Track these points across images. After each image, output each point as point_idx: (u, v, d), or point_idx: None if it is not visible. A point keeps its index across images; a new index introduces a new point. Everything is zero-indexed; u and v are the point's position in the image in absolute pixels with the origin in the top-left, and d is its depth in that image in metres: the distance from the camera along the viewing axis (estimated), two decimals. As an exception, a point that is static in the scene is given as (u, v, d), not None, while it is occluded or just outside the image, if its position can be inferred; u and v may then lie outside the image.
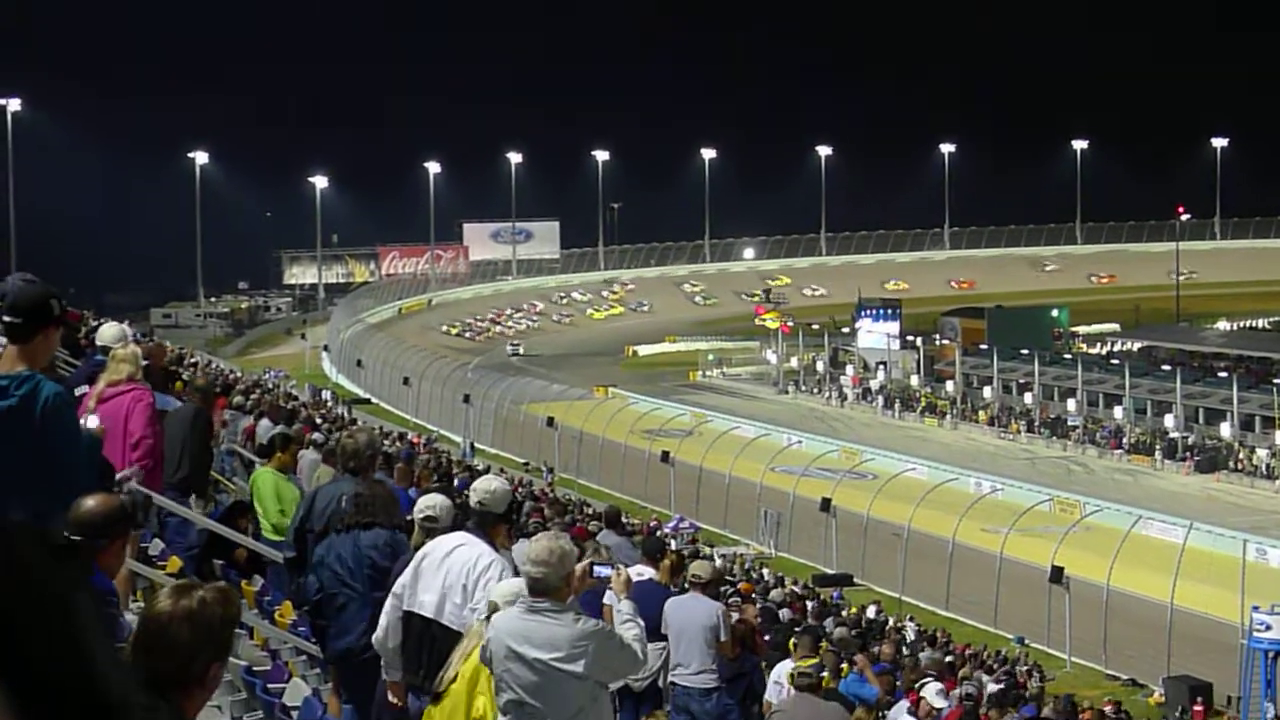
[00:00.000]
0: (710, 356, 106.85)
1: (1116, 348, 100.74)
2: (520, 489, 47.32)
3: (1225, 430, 71.24)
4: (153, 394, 10.20)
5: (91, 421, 8.11)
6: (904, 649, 31.98)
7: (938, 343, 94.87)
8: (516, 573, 7.49)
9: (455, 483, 30.29)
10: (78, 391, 9.04)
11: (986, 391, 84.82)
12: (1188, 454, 70.51)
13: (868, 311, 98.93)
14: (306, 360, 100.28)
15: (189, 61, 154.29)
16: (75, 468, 6.14)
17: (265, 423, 19.62)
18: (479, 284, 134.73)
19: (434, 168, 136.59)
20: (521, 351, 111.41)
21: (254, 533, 13.08)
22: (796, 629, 19.61)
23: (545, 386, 76.73)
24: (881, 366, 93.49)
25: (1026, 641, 41.38)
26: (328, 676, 10.07)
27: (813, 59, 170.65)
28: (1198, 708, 35.12)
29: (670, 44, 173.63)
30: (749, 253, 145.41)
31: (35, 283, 6.30)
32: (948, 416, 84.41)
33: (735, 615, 13.87)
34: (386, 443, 37.97)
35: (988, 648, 39.54)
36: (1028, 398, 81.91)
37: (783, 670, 13.79)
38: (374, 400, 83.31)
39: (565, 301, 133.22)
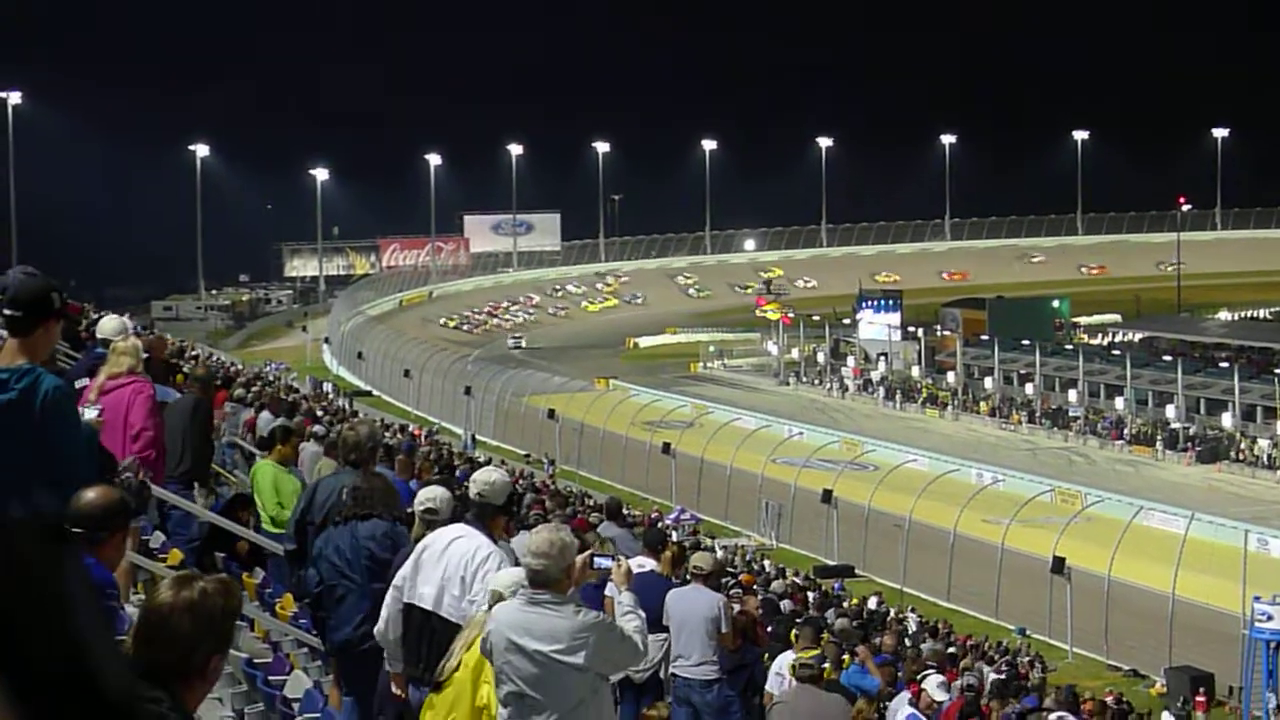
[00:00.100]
0: (711, 348, 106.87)
1: (1117, 338, 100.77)
2: (521, 481, 47.31)
3: (1226, 421, 71.24)
4: (153, 386, 10.20)
5: (90, 412, 8.10)
6: (906, 640, 32.00)
7: (939, 334, 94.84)
8: (516, 564, 7.49)
9: (456, 475, 30.30)
10: (78, 384, 9.04)
11: (988, 382, 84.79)
12: (1189, 444, 70.53)
13: (869, 303, 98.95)
14: (307, 353, 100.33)
15: (190, 54, 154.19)
16: (75, 461, 6.14)
17: (266, 415, 19.61)
18: (480, 276, 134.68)
19: (435, 160, 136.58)
20: (524, 345, 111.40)
21: (255, 525, 13.09)
22: (798, 620, 19.61)
23: (546, 379, 76.76)
24: (882, 358, 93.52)
25: (1028, 632, 41.42)
26: (329, 669, 10.07)
27: (813, 52, 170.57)
28: (1199, 698, 35.15)
29: (671, 36, 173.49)
30: (750, 244, 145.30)
31: (36, 276, 6.29)
32: (949, 408, 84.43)
33: (736, 607, 13.87)
34: (387, 435, 37.97)
35: (989, 638, 39.58)
36: (1029, 389, 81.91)
37: (784, 662, 13.79)
38: (375, 392, 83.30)
39: (560, 294, 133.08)
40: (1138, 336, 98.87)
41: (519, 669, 6.51)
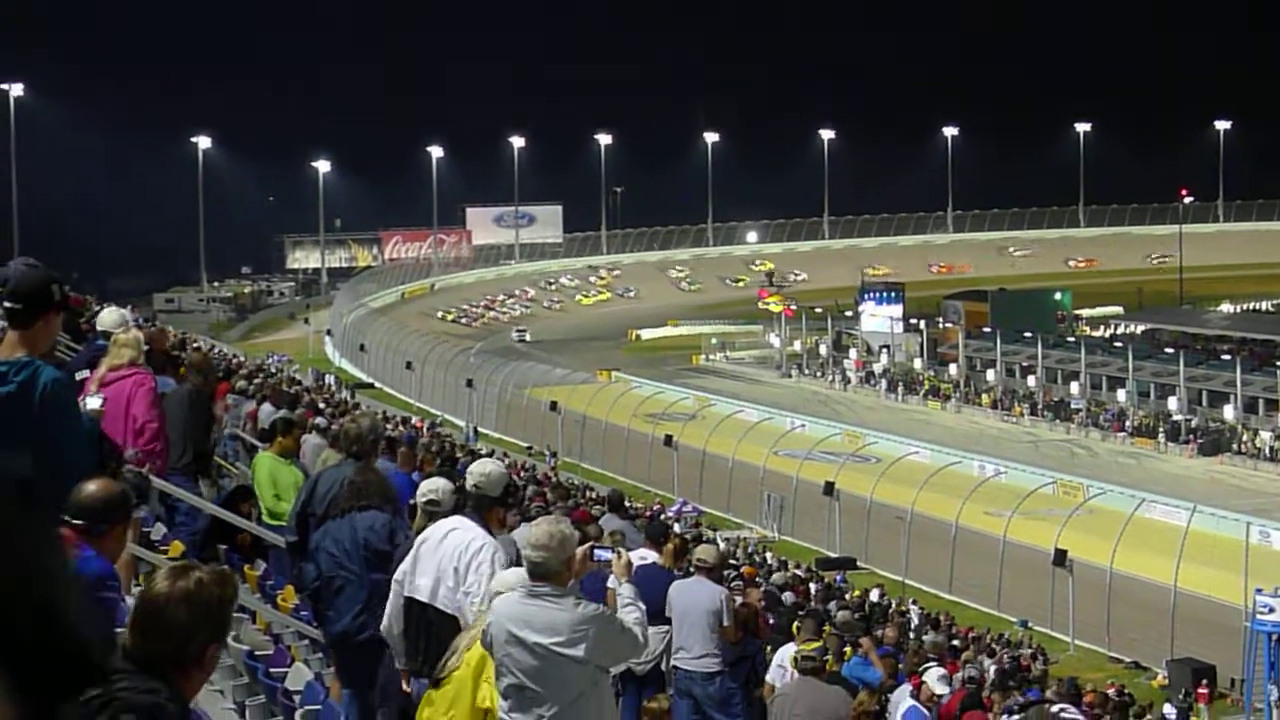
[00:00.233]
0: (713, 340, 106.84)
1: (1119, 330, 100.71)
2: (523, 473, 47.34)
3: (1228, 413, 71.25)
4: (154, 378, 10.20)
5: (93, 402, 8.10)
6: (909, 632, 32.01)
7: (941, 326, 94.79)
8: (518, 557, 7.49)
9: (458, 467, 30.29)
10: (79, 376, 9.03)
11: (990, 375, 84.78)
12: (1191, 437, 70.53)
13: (871, 295, 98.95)
14: (309, 345, 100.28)
15: (192, 46, 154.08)
16: (75, 453, 6.13)
17: (267, 407, 19.61)
18: (482, 268, 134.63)
19: (437, 152, 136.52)
20: (529, 338, 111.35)
21: (257, 518, 13.09)
22: (800, 613, 19.63)
23: (548, 371, 76.75)
24: (885, 350, 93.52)
25: (1030, 624, 41.45)
26: (330, 661, 10.07)
27: (814, 42, 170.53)
28: (1201, 690, 35.16)
29: (672, 27, 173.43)
30: (752, 236, 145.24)
31: (36, 267, 6.28)
32: (951, 400, 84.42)
33: (738, 599, 13.87)
34: (389, 427, 37.97)
35: (991, 631, 39.61)
36: (1031, 381, 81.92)
37: (786, 654, 13.79)
38: (377, 385, 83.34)
39: (555, 288, 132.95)
40: (1140, 329, 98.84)
41: (519, 661, 6.51)
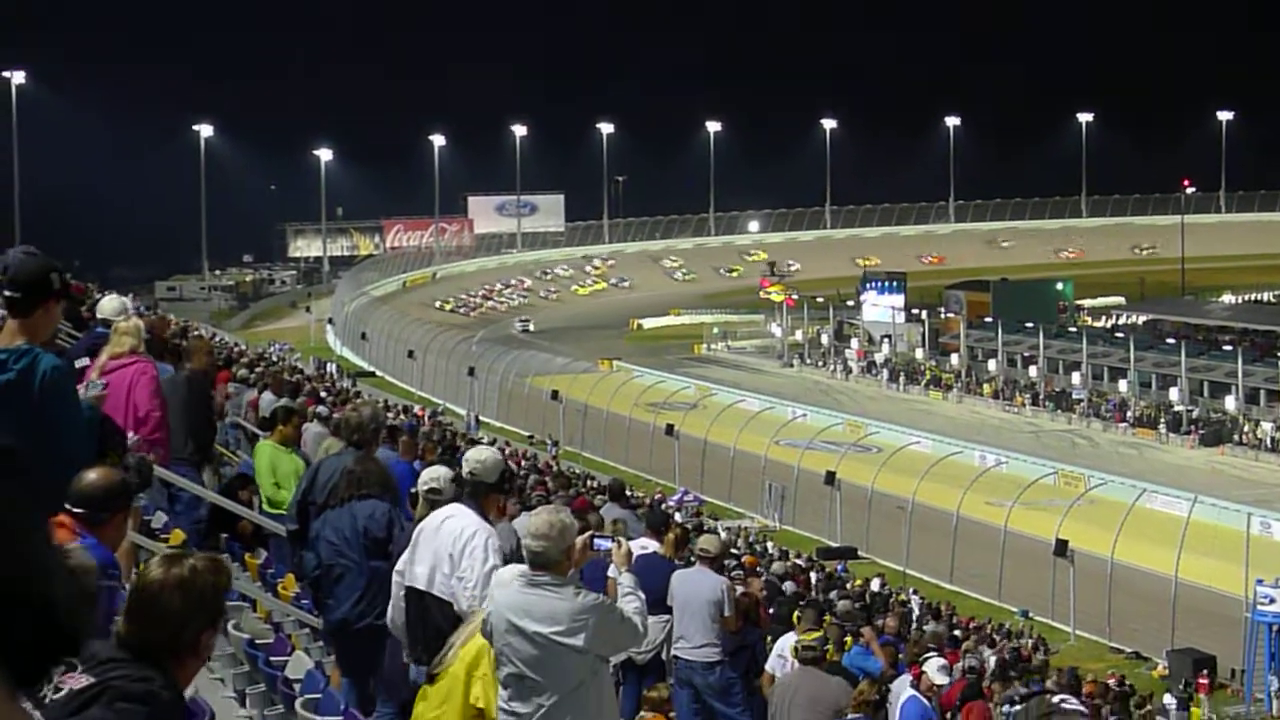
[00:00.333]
0: (715, 330, 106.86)
1: (1121, 321, 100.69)
2: (524, 462, 47.35)
3: (1230, 403, 71.26)
4: (156, 366, 10.19)
5: (95, 388, 8.09)
6: (910, 622, 32.02)
7: (943, 316, 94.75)
8: (518, 545, 7.49)
9: (459, 456, 30.27)
10: (78, 364, 9.03)
11: (991, 365, 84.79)
12: (1192, 427, 70.54)
13: (872, 284, 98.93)
14: (311, 333, 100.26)
15: (194, 34, 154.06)
16: (75, 441, 6.13)
17: (269, 396, 19.59)
18: (484, 257, 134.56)
19: (439, 140, 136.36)
20: (532, 328, 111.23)
21: (258, 505, 13.09)
22: (800, 602, 19.61)
23: (550, 360, 76.80)
24: (886, 340, 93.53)
25: (1031, 614, 41.47)
26: (330, 649, 10.07)
27: (816, 31, 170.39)
28: (1202, 680, 35.18)
29: (674, 16, 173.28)
30: (753, 226, 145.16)
31: (36, 255, 6.27)
32: (952, 390, 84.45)
33: (739, 589, 13.87)
34: (391, 416, 37.98)
35: (992, 621, 39.64)
36: (1032, 371, 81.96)
37: (786, 643, 13.79)
38: (378, 373, 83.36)
39: (550, 278, 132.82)
40: (1141, 319, 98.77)
41: (519, 650, 6.50)
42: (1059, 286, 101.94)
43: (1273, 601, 34.83)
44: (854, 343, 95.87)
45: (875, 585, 40.94)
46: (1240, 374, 71.10)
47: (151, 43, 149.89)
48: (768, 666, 13.60)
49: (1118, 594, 40.41)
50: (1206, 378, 73.32)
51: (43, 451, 5.72)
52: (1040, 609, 41.70)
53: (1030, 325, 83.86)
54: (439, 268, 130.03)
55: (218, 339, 49.08)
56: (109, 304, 11.62)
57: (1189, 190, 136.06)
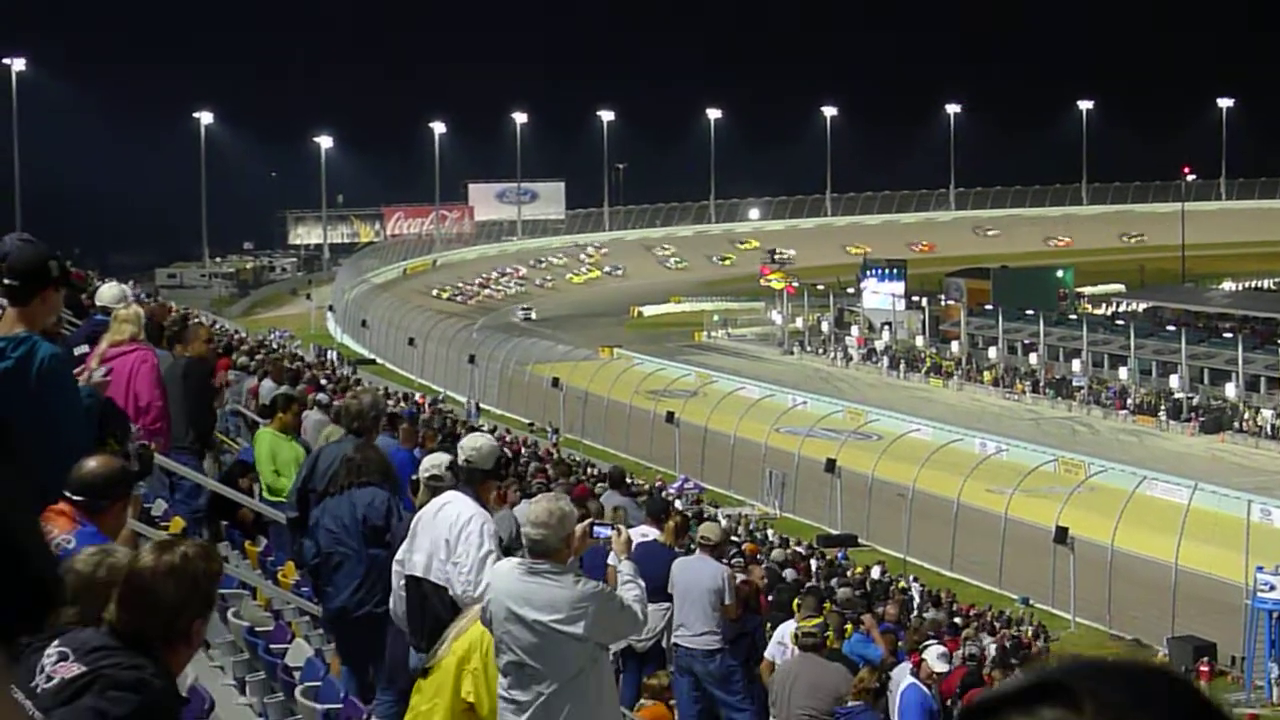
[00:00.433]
0: (715, 317, 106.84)
1: (1122, 308, 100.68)
2: (525, 449, 47.35)
3: (1230, 391, 71.24)
4: (156, 355, 10.19)
5: (97, 374, 8.09)
6: (910, 609, 32.03)
7: (943, 303, 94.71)
8: (518, 533, 7.49)
9: (459, 443, 30.26)
10: (78, 351, 9.02)
11: (991, 352, 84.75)
12: (1193, 414, 70.53)
13: (873, 272, 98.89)
14: (311, 321, 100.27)
15: (194, 21, 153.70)
16: (74, 429, 6.13)
17: (268, 383, 19.59)
18: (484, 244, 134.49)
19: (439, 128, 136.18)
20: (534, 316, 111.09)
21: (258, 493, 13.09)
22: (801, 590, 19.62)
23: (550, 347, 76.75)
24: (886, 327, 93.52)
25: (1031, 602, 41.48)
26: (330, 636, 10.08)
27: (818, 18, 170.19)
28: (1202, 668, 35.19)
29: (675, 3, 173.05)
30: (754, 213, 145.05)
31: (33, 243, 6.27)
32: (953, 377, 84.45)
33: (740, 577, 13.87)
34: (391, 403, 37.98)
35: (992, 608, 39.66)
36: (1033, 358, 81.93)
37: (786, 631, 13.79)
38: (379, 361, 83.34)
39: (544, 266, 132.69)
40: (1142, 306, 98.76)
41: (518, 638, 6.51)
42: (1059, 274, 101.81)
43: (1273, 589, 34.86)
44: (854, 330, 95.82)
45: (875, 573, 40.90)
46: (1240, 361, 71.06)
47: (152, 30, 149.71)
48: (767, 654, 13.60)
49: (1118, 581, 40.41)
50: (1207, 365, 73.28)
51: (41, 439, 5.72)
52: (1040, 596, 41.71)
53: (1030, 312, 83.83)
54: (439, 255, 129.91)
55: (218, 326, 49.10)
56: (108, 291, 11.62)
57: (1189, 178, 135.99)
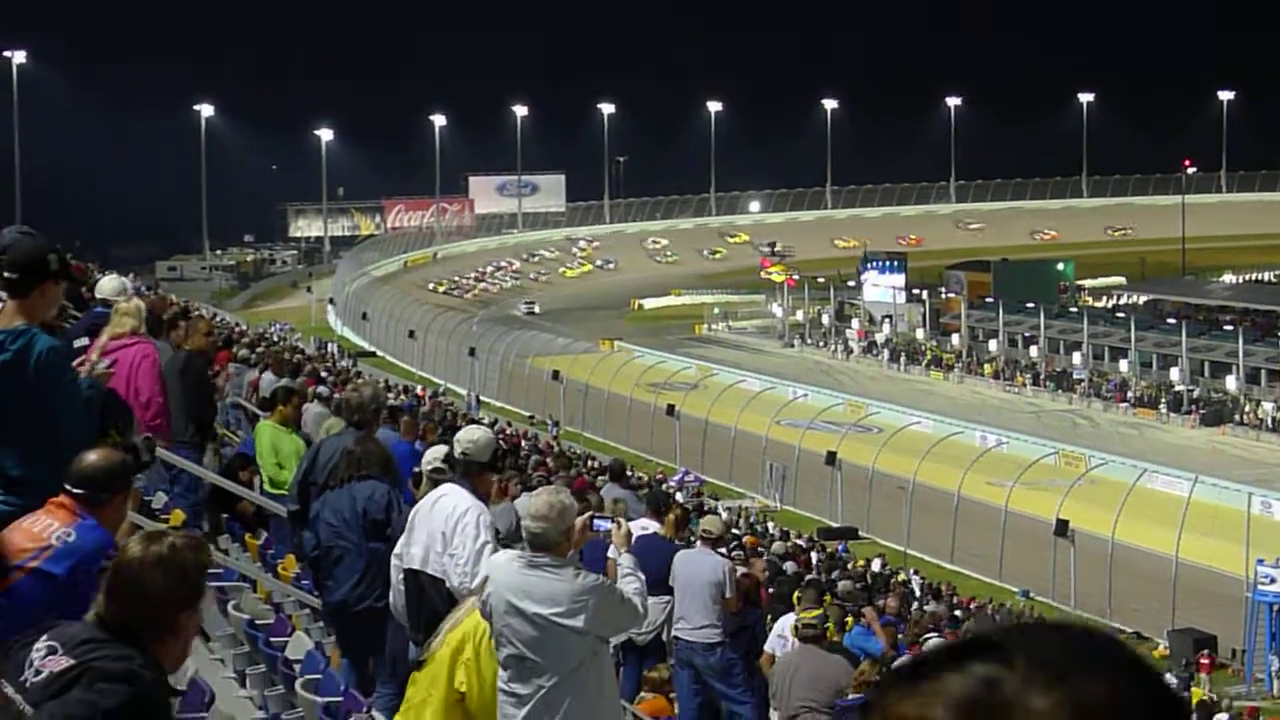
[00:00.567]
0: (715, 310, 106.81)
1: (1122, 301, 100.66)
2: (525, 442, 47.36)
3: (1231, 383, 71.20)
4: (156, 348, 10.19)
5: (99, 365, 8.08)
6: (911, 602, 32.05)
7: (943, 296, 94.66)
8: (517, 526, 7.49)
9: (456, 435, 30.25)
10: (78, 344, 9.02)
11: (992, 345, 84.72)
12: (1193, 407, 70.51)
13: (873, 264, 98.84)
14: (312, 313, 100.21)
15: (194, 14, 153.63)
16: (73, 421, 6.12)
17: (269, 376, 19.60)
18: (484, 237, 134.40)
19: (439, 120, 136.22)
20: (537, 310, 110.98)
21: (258, 486, 13.09)
22: (801, 582, 19.64)
23: (550, 340, 76.71)
24: (887, 320, 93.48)
25: (1031, 594, 41.49)
26: (331, 630, 10.08)
27: (818, 11, 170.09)
28: (1203, 660, 35.20)
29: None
30: (754, 206, 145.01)
31: (33, 236, 6.26)
32: (953, 370, 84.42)
33: (741, 570, 13.87)
34: (391, 396, 37.98)
35: (992, 601, 39.67)
36: (1033, 351, 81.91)
37: (786, 623, 13.79)
38: (379, 353, 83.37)
39: (536, 260, 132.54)
40: (1142, 299, 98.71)
41: (518, 631, 6.50)
42: (1060, 267, 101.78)
43: (1273, 581, 34.86)
44: (855, 323, 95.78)
45: (876, 565, 40.95)
46: (1241, 354, 71.03)
47: (152, 22, 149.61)
48: (768, 647, 13.60)
49: (1118, 574, 40.42)
50: (1207, 358, 73.26)
51: (39, 432, 5.71)
52: (1041, 589, 41.72)
53: (1031, 305, 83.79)
54: (440, 248, 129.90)
55: (218, 319, 49.09)
56: (109, 284, 11.62)
57: (1190, 170, 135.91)
